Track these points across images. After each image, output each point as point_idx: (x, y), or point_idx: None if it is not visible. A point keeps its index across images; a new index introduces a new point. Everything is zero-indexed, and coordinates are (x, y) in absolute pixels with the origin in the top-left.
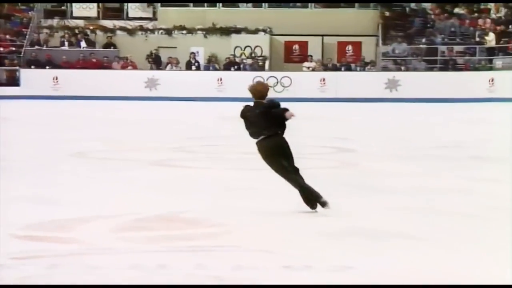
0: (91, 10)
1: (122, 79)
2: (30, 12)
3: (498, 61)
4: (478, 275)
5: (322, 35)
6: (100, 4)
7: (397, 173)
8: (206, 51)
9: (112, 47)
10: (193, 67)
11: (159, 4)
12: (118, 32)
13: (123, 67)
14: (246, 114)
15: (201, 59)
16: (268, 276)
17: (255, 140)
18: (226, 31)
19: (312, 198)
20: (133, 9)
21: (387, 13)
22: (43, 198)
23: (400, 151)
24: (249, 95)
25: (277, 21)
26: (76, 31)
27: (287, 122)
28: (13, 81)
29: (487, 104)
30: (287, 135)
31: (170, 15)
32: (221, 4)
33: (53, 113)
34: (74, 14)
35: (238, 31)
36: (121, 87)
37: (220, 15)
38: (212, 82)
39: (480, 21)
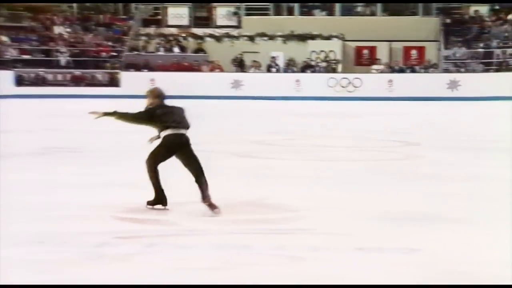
0: (184, 19)
1: (210, 80)
2: (129, 21)
3: None
4: None
5: (389, 41)
6: (192, 13)
7: (455, 163)
8: (285, 55)
9: (201, 52)
10: (273, 70)
11: (244, 13)
12: (207, 38)
13: (211, 70)
14: (165, 109)
15: (281, 63)
16: (343, 257)
17: (170, 131)
18: (303, 37)
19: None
20: (221, 18)
21: (448, 20)
22: (137, 184)
23: (460, 143)
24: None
25: (349, 28)
26: (170, 38)
27: None
28: (114, 82)
29: None
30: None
31: (253, 23)
32: (298, 13)
33: None
34: (169, 23)
35: (313, 37)
36: (209, 88)
37: (298, 23)
38: (290, 83)
39: None
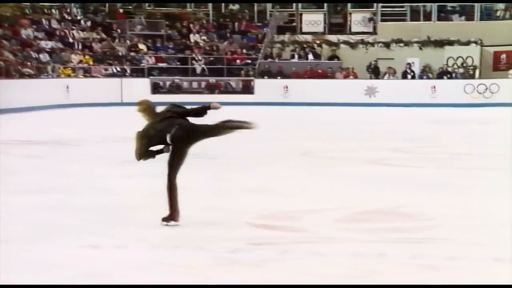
0: (318, 26)
1: (344, 87)
2: (264, 29)
3: None
4: None
5: None
6: (326, 20)
7: None
8: (421, 62)
9: (335, 59)
10: (409, 76)
11: (379, 19)
12: (342, 45)
13: (345, 77)
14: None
15: (416, 69)
16: (479, 267)
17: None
18: (440, 43)
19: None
20: (356, 24)
21: None
22: (272, 191)
23: None
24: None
25: (487, 33)
26: (305, 45)
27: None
28: (248, 89)
29: None
30: None
31: (388, 29)
32: (436, 18)
33: (282, 117)
34: (303, 30)
35: (451, 43)
36: (343, 95)
37: (435, 28)
38: (426, 89)
39: None
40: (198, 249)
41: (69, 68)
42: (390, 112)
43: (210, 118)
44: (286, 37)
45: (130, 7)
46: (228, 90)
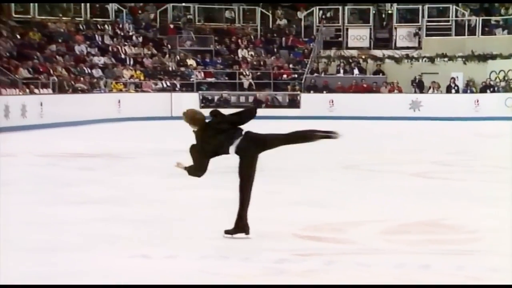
0: (364, 41)
1: (388, 101)
2: (311, 44)
3: None
4: None
5: None
6: (372, 35)
7: None
8: (464, 76)
9: (380, 74)
10: (453, 91)
11: (424, 34)
12: (387, 60)
13: (390, 91)
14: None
15: (460, 83)
16: None
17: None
18: (483, 58)
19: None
20: (401, 39)
21: None
22: (317, 202)
23: None
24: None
25: None
26: (350, 60)
27: None
28: (294, 103)
29: None
30: None
31: (433, 43)
32: (480, 32)
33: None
34: (349, 45)
35: (494, 57)
36: (388, 109)
37: (479, 42)
38: (469, 103)
39: None
40: (245, 259)
41: (121, 83)
42: (434, 126)
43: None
44: (332, 52)
45: (180, 22)
46: (274, 104)
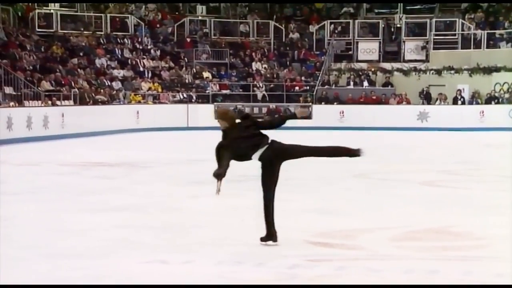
0: (373, 54)
1: (397, 112)
2: (322, 57)
3: None
4: None
5: None
6: (381, 48)
7: None
8: (470, 88)
9: (389, 86)
10: (459, 102)
11: (431, 47)
12: (395, 72)
13: (399, 103)
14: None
15: (466, 95)
16: None
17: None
18: (488, 70)
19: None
20: (409, 52)
21: None
22: (328, 210)
23: None
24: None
25: None
26: (360, 72)
27: None
28: (307, 115)
29: None
30: None
31: (440, 57)
32: (485, 46)
33: (338, 141)
34: (359, 58)
35: (498, 69)
36: (396, 120)
37: (484, 55)
38: (475, 114)
39: None
40: (259, 265)
41: (139, 95)
42: (441, 136)
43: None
44: (342, 65)
45: (196, 36)
46: (287, 115)
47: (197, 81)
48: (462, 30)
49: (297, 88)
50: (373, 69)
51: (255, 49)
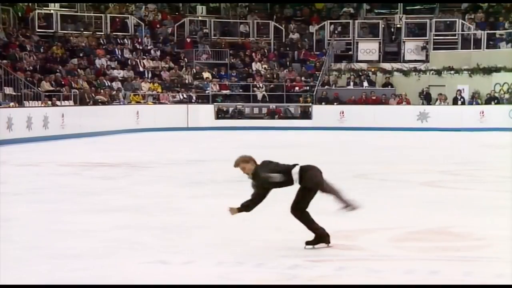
0: (373, 54)
1: (397, 113)
2: (322, 57)
3: None
4: None
5: None
6: (381, 49)
7: None
8: (470, 88)
9: (389, 86)
10: (459, 102)
11: (431, 48)
12: (395, 73)
13: (398, 103)
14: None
15: (466, 95)
16: None
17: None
18: (488, 70)
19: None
20: (409, 53)
21: None
22: (328, 210)
23: None
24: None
25: None
26: (360, 73)
27: None
28: (306, 115)
29: None
30: None
31: (440, 57)
32: (485, 46)
33: (338, 141)
34: (359, 58)
35: (498, 69)
36: (396, 120)
37: (484, 56)
38: (475, 114)
39: None
40: (260, 265)
41: (139, 95)
42: (441, 136)
43: None
44: (342, 65)
45: (196, 36)
46: (287, 115)
47: (197, 82)
48: (462, 30)
49: (297, 88)
50: (373, 70)
51: (255, 49)
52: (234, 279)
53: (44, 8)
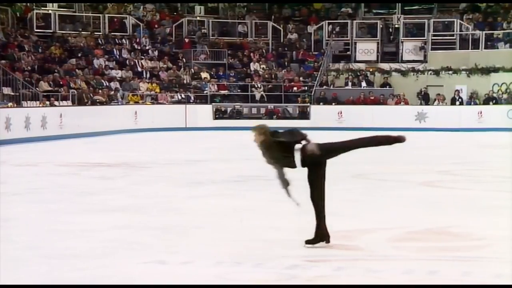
0: (371, 54)
1: (395, 113)
2: (321, 57)
3: None
4: None
5: None
6: (379, 49)
7: None
8: (468, 88)
9: (387, 86)
10: (457, 103)
11: (430, 48)
12: (393, 73)
13: (397, 103)
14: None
15: (464, 96)
16: None
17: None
18: (486, 71)
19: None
20: (407, 53)
21: None
22: (328, 211)
23: None
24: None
25: None
26: (358, 73)
27: None
28: (304, 115)
29: None
30: None
31: (438, 57)
32: (483, 46)
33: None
34: (357, 58)
35: (496, 70)
36: (395, 120)
37: (482, 56)
38: (473, 115)
39: None
40: (258, 265)
41: (138, 96)
42: (439, 137)
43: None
44: (341, 65)
45: (195, 37)
46: (285, 115)
47: (195, 82)
48: (461, 30)
49: (295, 88)
50: (371, 70)
51: (254, 49)
52: (233, 279)
53: (43, 8)
